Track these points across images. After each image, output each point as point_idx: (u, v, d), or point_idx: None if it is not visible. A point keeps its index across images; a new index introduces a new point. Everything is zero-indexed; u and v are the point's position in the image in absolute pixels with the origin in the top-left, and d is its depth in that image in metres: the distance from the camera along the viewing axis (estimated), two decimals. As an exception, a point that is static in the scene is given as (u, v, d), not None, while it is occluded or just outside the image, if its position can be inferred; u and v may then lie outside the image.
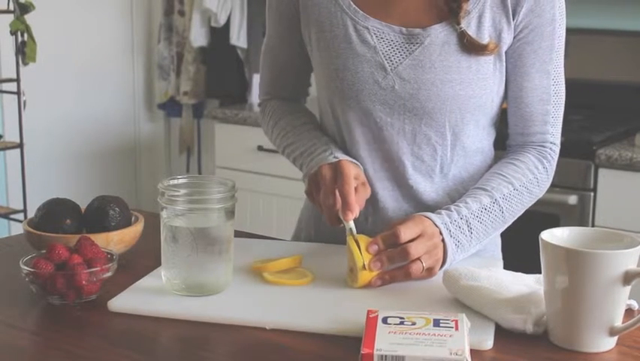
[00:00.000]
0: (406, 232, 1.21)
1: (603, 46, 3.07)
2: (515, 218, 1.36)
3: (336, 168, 1.31)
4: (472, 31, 1.32)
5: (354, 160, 1.36)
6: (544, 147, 1.39)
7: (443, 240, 1.24)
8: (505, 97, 1.41)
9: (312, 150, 1.40)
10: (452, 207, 1.29)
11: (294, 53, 1.48)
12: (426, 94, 1.33)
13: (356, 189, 1.30)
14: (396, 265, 1.21)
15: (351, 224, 1.26)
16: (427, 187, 1.39)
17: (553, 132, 1.39)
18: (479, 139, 1.40)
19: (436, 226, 1.24)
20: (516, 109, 1.39)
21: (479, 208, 1.30)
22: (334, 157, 1.34)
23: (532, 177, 1.36)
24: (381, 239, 1.22)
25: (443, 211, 1.28)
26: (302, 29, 1.43)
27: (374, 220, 1.41)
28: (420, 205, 1.39)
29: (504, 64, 1.37)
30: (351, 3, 1.37)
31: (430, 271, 1.23)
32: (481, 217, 1.30)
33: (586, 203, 2.63)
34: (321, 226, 1.47)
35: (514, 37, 1.34)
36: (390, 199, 1.40)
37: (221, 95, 3.84)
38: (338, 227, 1.29)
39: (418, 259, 1.20)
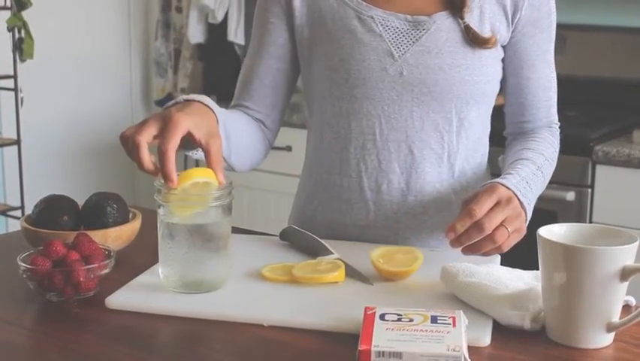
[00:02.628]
0: (481, 209, 1.20)
1: (601, 42, 3.07)
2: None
3: (164, 118, 1.14)
4: (474, 23, 1.37)
5: (207, 103, 1.22)
6: (551, 127, 1.48)
7: (519, 200, 1.26)
8: (502, 90, 1.45)
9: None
10: (510, 171, 1.32)
11: (270, 62, 1.46)
12: (434, 79, 1.36)
13: (201, 143, 1.15)
14: (476, 239, 1.20)
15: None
16: (434, 177, 1.40)
17: (555, 114, 1.49)
18: (479, 128, 1.44)
19: (509, 188, 1.25)
20: (523, 100, 1.45)
21: (530, 172, 1.34)
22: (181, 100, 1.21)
23: (552, 150, 1.45)
24: (458, 224, 1.19)
25: (507, 175, 1.30)
26: (295, 32, 1.43)
27: (375, 211, 1.42)
28: (424, 197, 1.40)
29: (501, 55, 1.42)
30: None
31: (520, 232, 1.24)
32: (534, 180, 1.33)
33: (583, 199, 2.64)
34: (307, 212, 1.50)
35: (518, 31, 1.40)
36: (395, 191, 1.40)
37: (219, 91, 3.83)
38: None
39: (502, 225, 1.20)
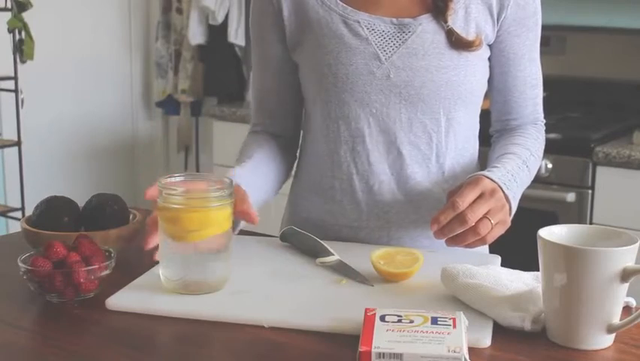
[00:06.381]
0: (464, 201, 1.21)
1: (602, 43, 3.07)
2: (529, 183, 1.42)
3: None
4: (459, 24, 1.38)
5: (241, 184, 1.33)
6: (536, 124, 1.49)
7: (503, 192, 1.27)
8: (489, 88, 1.46)
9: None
10: (496, 164, 1.34)
11: (276, 76, 1.48)
12: (421, 81, 1.36)
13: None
14: (459, 231, 1.21)
15: None
16: (424, 177, 1.41)
17: (541, 111, 1.50)
18: (468, 127, 1.44)
19: (493, 181, 1.26)
20: (510, 97, 1.46)
21: (515, 166, 1.35)
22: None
23: (538, 146, 1.46)
24: (442, 216, 1.21)
25: (492, 168, 1.31)
26: (287, 40, 1.44)
27: (367, 212, 1.42)
28: (415, 197, 1.41)
29: (488, 54, 1.43)
30: (339, 1, 1.40)
31: (504, 224, 1.25)
32: (519, 173, 1.34)
33: (584, 200, 2.64)
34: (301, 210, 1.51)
35: (504, 30, 1.41)
36: (386, 191, 1.41)
37: (219, 92, 3.84)
38: None
39: (485, 217, 1.22)
